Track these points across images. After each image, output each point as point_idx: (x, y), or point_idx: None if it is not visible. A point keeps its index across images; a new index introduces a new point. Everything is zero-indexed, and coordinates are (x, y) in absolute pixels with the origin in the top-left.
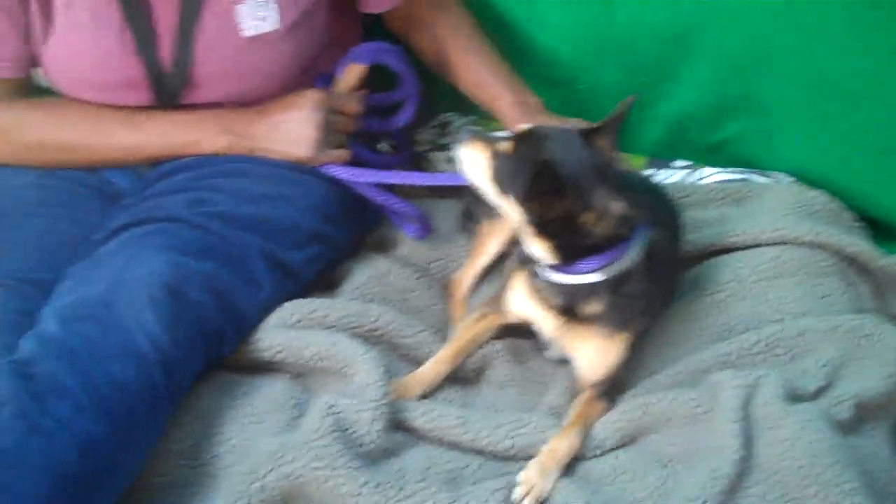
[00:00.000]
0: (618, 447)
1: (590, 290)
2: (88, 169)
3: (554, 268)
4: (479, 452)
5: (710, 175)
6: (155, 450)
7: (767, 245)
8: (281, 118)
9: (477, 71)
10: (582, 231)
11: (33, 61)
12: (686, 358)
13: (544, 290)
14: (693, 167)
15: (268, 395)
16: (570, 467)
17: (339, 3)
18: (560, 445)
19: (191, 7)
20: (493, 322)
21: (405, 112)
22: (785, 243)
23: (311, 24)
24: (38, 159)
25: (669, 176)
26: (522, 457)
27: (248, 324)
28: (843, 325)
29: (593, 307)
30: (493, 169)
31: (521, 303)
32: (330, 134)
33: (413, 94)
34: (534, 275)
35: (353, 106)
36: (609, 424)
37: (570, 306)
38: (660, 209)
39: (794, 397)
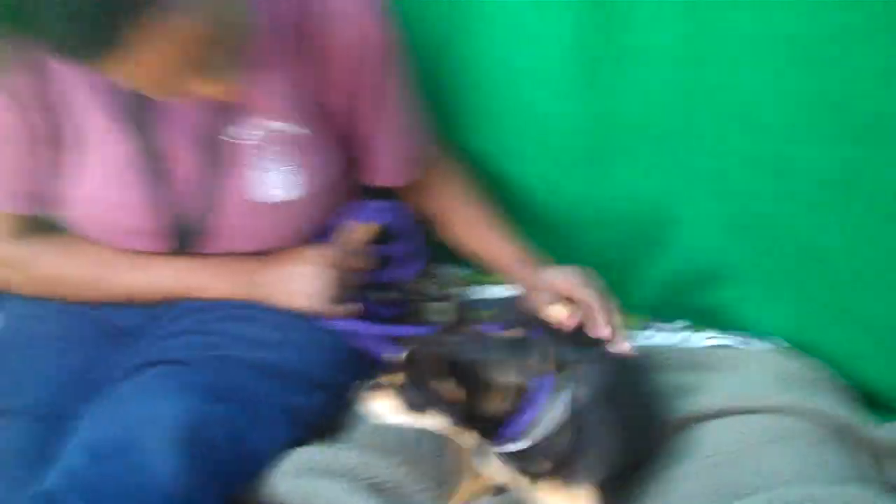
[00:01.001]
0: None
1: (530, 453)
2: (95, 305)
3: (489, 443)
4: None
5: (708, 339)
6: None
7: (760, 412)
8: (291, 271)
9: (479, 232)
10: (489, 412)
11: (47, 201)
12: None
13: (498, 463)
14: (693, 328)
15: None
16: None
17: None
18: None
19: (213, 168)
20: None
21: (414, 265)
22: (780, 411)
23: (334, 191)
24: (50, 292)
25: (669, 338)
26: None
27: (261, 467)
28: (849, 495)
29: (543, 465)
30: (405, 402)
31: (493, 469)
32: (339, 289)
33: (421, 249)
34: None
35: (362, 263)
36: None
37: (523, 469)
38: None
39: None
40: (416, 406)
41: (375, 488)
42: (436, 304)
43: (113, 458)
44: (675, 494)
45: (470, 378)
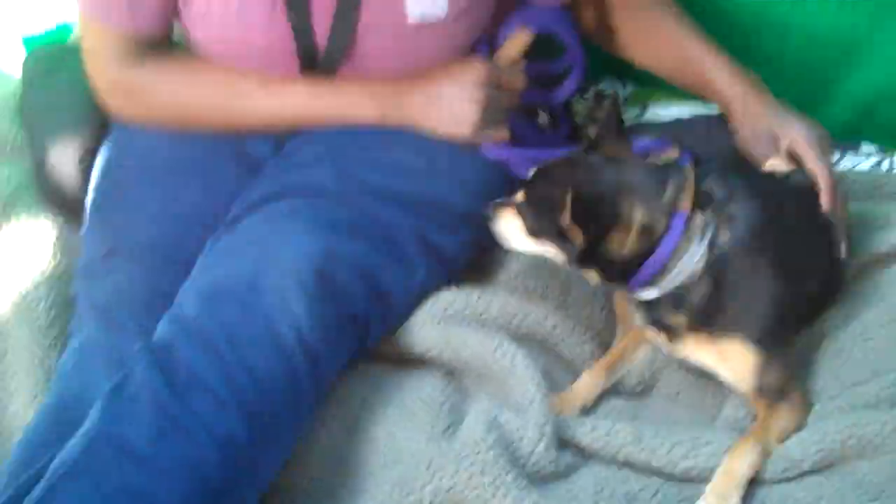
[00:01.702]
0: (817, 471)
1: (661, 303)
2: (225, 134)
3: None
4: (656, 473)
5: None
6: (298, 447)
7: None
8: (440, 93)
9: (678, 45)
10: (611, 253)
11: (173, 15)
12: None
13: (632, 307)
14: (884, 152)
15: (419, 392)
16: (763, 492)
17: None
18: (737, 465)
19: None
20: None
21: (569, 84)
22: None
23: (479, 8)
24: (170, 120)
25: (857, 163)
26: (704, 479)
27: (397, 311)
28: None
29: (677, 319)
30: (524, 225)
31: (636, 320)
32: (491, 111)
33: (579, 64)
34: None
35: (518, 81)
36: (808, 444)
37: (657, 321)
38: (763, 197)
39: None
40: (535, 231)
41: (526, 339)
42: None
43: (230, 302)
44: (875, 343)
45: (589, 211)
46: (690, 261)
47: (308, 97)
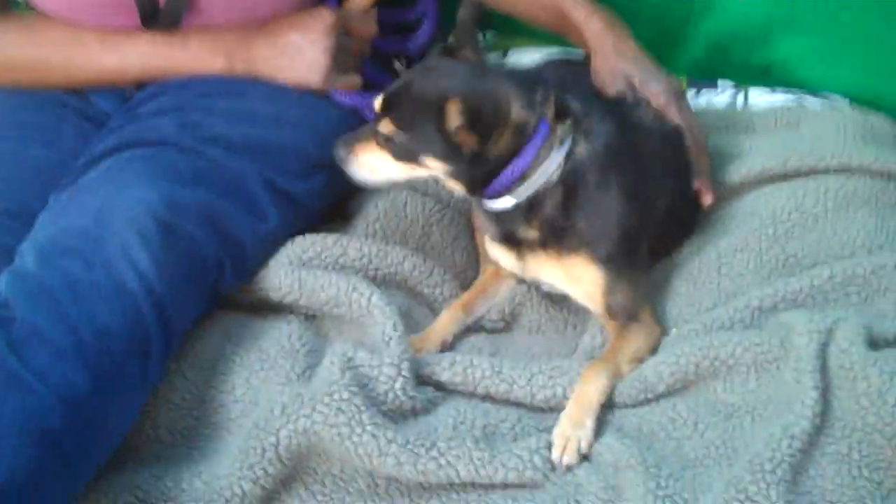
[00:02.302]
0: (672, 394)
1: (514, 215)
2: (69, 89)
3: (477, 196)
4: (516, 405)
5: (760, 97)
6: (154, 400)
7: (829, 173)
8: (288, 41)
9: None
10: (487, 155)
11: None
12: (748, 293)
13: (486, 221)
14: (739, 88)
15: (277, 339)
16: (620, 416)
17: None
18: (587, 389)
19: None
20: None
21: (424, 31)
22: (849, 171)
23: None
24: (9, 79)
25: (714, 98)
26: (563, 408)
27: (250, 258)
28: None
29: (529, 233)
30: (391, 151)
31: (488, 244)
32: (342, 59)
33: (432, 11)
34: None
35: (368, 28)
36: (661, 367)
37: (508, 235)
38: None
39: (874, 343)
40: (410, 153)
41: (384, 281)
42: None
43: (70, 255)
44: (728, 269)
45: (480, 113)
46: (548, 169)
47: (150, 51)
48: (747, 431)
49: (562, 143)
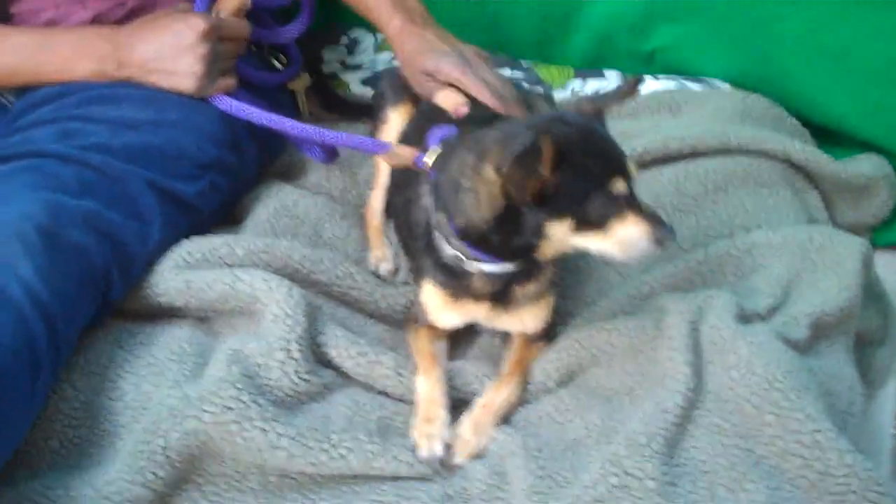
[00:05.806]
0: (559, 386)
1: (516, 276)
2: None
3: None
4: (411, 402)
5: (645, 84)
6: (44, 411)
7: (709, 155)
8: (161, 48)
9: None
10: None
11: None
12: (627, 282)
13: (477, 284)
14: (624, 77)
15: (168, 343)
16: (518, 411)
17: None
18: (495, 398)
19: None
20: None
21: (298, 23)
22: (728, 151)
23: None
24: None
25: (603, 87)
26: (457, 407)
27: (138, 264)
28: (795, 238)
29: (528, 288)
30: None
31: (447, 313)
32: (216, 65)
33: (307, 4)
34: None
35: (242, 30)
36: (547, 364)
37: (503, 291)
38: None
39: (745, 318)
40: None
41: (275, 272)
42: (354, 74)
43: None
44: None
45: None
46: None
47: (16, 54)
48: (626, 411)
49: None
